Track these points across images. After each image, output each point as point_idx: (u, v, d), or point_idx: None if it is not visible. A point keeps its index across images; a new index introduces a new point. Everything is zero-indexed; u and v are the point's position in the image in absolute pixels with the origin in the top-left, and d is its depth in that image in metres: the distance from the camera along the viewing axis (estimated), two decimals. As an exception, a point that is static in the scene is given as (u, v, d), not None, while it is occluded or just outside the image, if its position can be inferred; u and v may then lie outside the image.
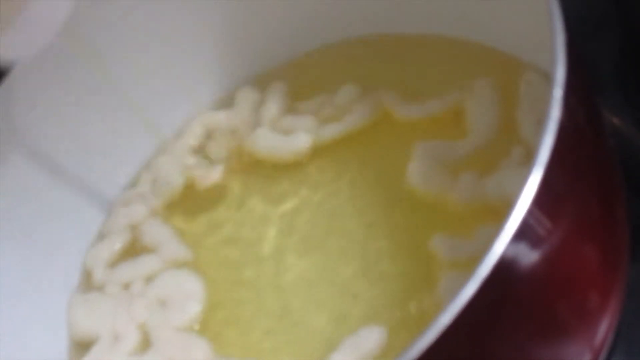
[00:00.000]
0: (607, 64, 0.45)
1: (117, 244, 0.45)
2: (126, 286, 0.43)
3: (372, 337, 0.35)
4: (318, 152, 0.44)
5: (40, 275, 0.44)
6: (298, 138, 0.44)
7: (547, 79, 0.38)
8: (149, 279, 0.43)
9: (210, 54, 0.50)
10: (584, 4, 0.43)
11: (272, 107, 0.47)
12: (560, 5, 0.29)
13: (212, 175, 0.46)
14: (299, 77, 0.49)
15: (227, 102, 0.50)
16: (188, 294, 0.41)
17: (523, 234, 0.25)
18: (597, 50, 0.44)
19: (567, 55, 0.28)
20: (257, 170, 0.45)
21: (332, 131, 0.44)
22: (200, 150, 0.48)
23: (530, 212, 0.25)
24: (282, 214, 0.43)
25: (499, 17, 0.40)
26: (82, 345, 0.42)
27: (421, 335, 0.24)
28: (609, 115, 0.43)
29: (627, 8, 0.45)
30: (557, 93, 0.27)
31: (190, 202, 0.46)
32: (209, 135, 0.49)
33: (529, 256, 0.26)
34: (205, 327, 0.40)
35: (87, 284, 0.45)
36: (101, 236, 0.47)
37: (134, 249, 0.45)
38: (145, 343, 0.40)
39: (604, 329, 0.31)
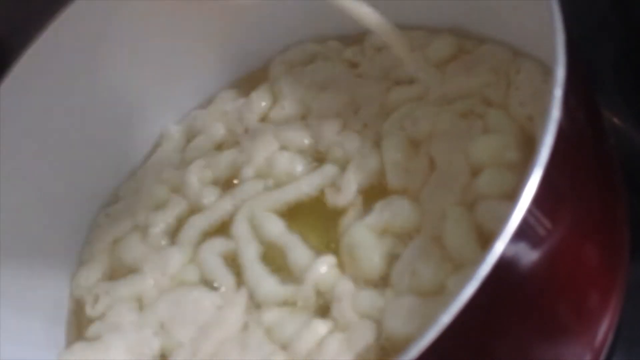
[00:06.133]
0: (607, 64, 0.45)
1: (101, 266, 0.45)
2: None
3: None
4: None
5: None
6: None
7: (543, 68, 0.38)
8: (141, 301, 0.42)
9: (188, 60, 0.50)
10: (584, 5, 0.43)
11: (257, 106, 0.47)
12: (560, 6, 0.29)
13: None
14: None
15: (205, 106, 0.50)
16: (206, 301, 0.40)
17: (523, 233, 0.25)
18: (597, 50, 0.44)
19: (567, 55, 0.28)
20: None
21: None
22: (182, 152, 0.48)
23: (530, 212, 0.25)
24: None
25: (502, 14, 0.40)
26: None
27: (421, 335, 0.24)
28: (609, 115, 0.43)
29: (627, 9, 0.45)
30: (557, 93, 0.27)
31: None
32: (189, 138, 0.49)
33: (529, 256, 0.26)
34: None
35: (79, 315, 0.44)
36: (84, 257, 0.46)
37: (118, 269, 0.44)
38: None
39: (604, 329, 0.31)
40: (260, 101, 0.47)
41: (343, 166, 0.42)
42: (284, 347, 0.36)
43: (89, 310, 0.43)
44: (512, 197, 0.26)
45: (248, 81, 0.50)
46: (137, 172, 0.49)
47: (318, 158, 0.43)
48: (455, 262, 0.35)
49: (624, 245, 0.33)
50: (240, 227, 0.42)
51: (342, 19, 0.48)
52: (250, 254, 0.40)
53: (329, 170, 0.42)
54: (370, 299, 0.36)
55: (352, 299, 0.36)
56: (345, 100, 0.44)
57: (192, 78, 0.50)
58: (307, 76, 0.47)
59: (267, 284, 0.39)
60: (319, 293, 0.38)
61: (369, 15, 0.39)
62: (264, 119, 0.46)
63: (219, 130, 0.47)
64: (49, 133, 0.45)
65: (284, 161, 0.43)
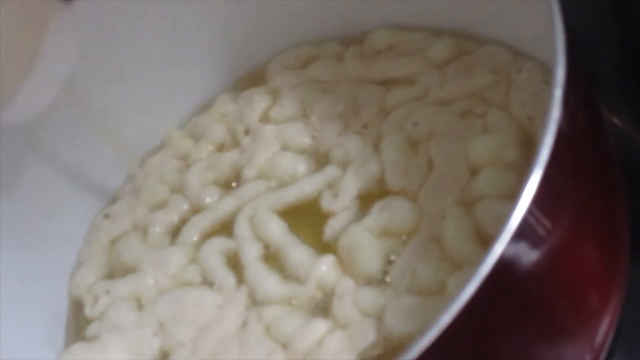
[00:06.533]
0: (607, 64, 0.45)
1: (100, 266, 0.45)
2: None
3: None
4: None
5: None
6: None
7: (544, 68, 0.38)
8: (140, 300, 0.42)
9: (187, 62, 0.50)
10: (584, 5, 0.43)
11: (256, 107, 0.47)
12: (560, 6, 0.29)
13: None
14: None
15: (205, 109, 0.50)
16: (206, 300, 0.40)
17: (523, 233, 0.25)
18: (598, 51, 0.44)
19: (567, 56, 0.28)
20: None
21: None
22: (185, 157, 0.48)
23: (530, 212, 0.25)
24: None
25: (502, 15, 0.40)
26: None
27: (422, 335, 0.24)
28: (609, 115, 0.43)
29: (627, 9, 0.45)
30: (557, 93, 0.27)
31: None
32: (190, 141, 0.49)
33: (529, 256, 0.26)
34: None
35: (78, 315, 0.44)
36: (83, 257, 0.46)
37: (117, 269, 0.44)
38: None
39: (604, 329, 0.31)
40: (260, 101, 0.47)
41: (344, 168, 0.42)
42: (284, 345, 0.37)
43: (88, 311, 0.43)
44: (512, 197, 0.26)
45: (247, 83, 0.50)
46: (137, 174, 0.49)
47: (319, 159, 0.43)
48: (455, 262, 0.35)
49: (624, 245, 0.33)
50: (242, 227, 0.42)
51: (340, 21, 0.48)
52: (251, 253, 0.40)
53: (331, 171, 0.42)
54: (371, 296, 0.36)
55: (353, 297, 0.36)
56: (345, 101, 0.44)
57: (191, 80, 0.50)
58: (306, 77, 0.47)
59: (269, 282, 0.39)
60: (321, 292, 0.38)
61: None
62: (264, 118, 0.46)
63: (219, 131, 0.47)
64: (49, 135, 0.45)
65: (286, 162, 0.43)
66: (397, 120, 0.42)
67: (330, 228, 0.40)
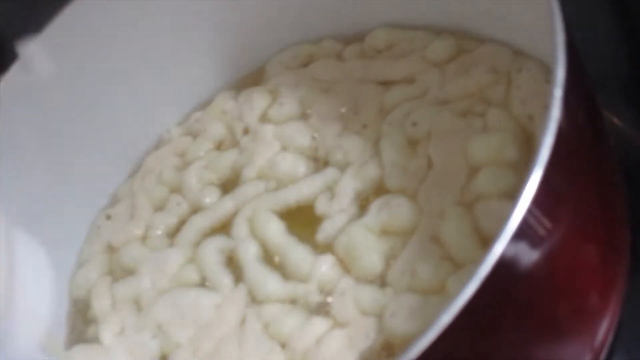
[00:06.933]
0: (607, 64, 0.45)
1: (100, 267, 0.45)
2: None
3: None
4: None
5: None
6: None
7: (545, 67, 0.38)
8: (139, 303, 0.42)
9: (186, 61, 0.50)
10: (584, 4, 0.43)
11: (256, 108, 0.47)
12: (561, 6, 0.29)
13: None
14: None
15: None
16: (206, 300, 0.40)
17: (523, 233, 0.25)
18: (598, 50, 0.44)
19: (567, 56, 0.28)
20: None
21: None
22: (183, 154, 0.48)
23: (530, 212, 0.25)
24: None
25: (502, 15, 0.40)
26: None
27: (421, 335, 0.24)
28: (609, 115, 0.43)
29: (627, 8, 0.45)
30: (557, 93, 0.27)
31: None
32: (189, 139, 0.48)
33: (529, 256, 0.26)
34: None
35: (79, 316, 0.44)
36: (83, 258, 0.46)
37: (117, 270, 0.44)
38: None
39: (604, 329, 0.31)
40: (260, 100, 0.47)
41: (344, 169, 0.42)
42: (283, 344, 0.37)
43: (89, 312, 0.43)
44: (511, 196, 0.26)
45: (247, 82, 0.50)
46: (137, 174, 0.49)
47: (319, 160, 0.43)
48: (455, 261, 0.35)
49: (624, 245, 0.33)
50: (240, 228, 0.42)
51: (340, 21, 0.48)
52: (250, 252, 0.40)
53: (330, 174, 0.42)
54: (371, 295, 0.36)
55: (353, 295, 0.36)
56: (345, 100, 0.44)
57: (190, 80, 0.50)
58: (306, 77, 0.47)
59: (269, 281, 0.39)
60: (321, 290, 0.38)
61: None
62: (263, 118, 0.46)
63: (218, 129, 0.47)
64: (49, 133, 0.45)
65: (287, 163, 0.43)
66: (397, 119, 0.41)
67: (324, 231, 0.39)
